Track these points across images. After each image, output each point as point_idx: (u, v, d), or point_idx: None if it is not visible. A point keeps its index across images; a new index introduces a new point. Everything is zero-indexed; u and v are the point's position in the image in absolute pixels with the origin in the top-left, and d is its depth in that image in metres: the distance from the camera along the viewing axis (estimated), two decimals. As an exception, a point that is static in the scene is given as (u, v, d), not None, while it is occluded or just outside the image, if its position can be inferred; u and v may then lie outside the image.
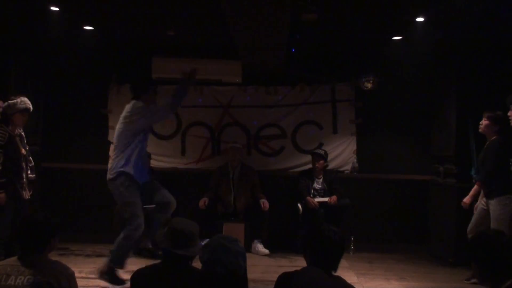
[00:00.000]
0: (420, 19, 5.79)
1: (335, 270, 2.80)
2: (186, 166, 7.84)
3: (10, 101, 5.43)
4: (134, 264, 5.81)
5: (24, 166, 5.60)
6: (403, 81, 7.53)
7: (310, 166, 7.40)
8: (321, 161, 7.19)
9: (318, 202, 6.97)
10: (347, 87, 7.70)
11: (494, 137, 5.66)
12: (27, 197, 5.60)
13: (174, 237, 2.91)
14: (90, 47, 6.98)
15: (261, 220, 6.96)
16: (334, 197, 6.96)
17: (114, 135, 7.71)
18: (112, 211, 7.03)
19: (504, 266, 2.62)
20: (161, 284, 2.84)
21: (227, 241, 2.35)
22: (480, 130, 5.79)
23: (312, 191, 7.16)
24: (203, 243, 2.44)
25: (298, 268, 2.79)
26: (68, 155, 7.82)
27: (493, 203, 5.53)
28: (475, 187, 5.71)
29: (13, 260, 2.87)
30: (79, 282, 3.04)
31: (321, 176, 7.24)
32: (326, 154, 7.28)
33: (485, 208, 5.64)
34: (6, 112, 5.42)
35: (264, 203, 6.93)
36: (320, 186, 7.20)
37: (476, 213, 5.76)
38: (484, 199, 5.65)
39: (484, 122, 5.72)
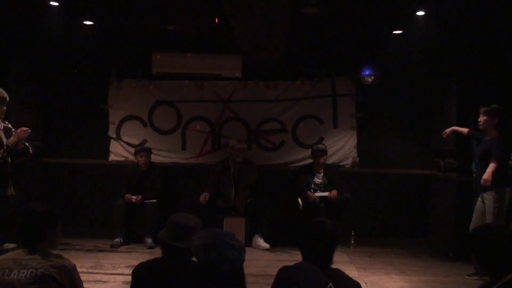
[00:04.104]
0: (420, 13, 5.77)
1: (331, 262, 2.80)
2: (187, 161, 7.84)
3: None
4: (135, 259, 5.84)
5: (10, 160, 5.45)
6: (404, 75, 7.51)
7: (310, 160, 7.41)
8: (325, 156, 7.21)
9: (319, 196, 6.98)
10: (348, 81, 7.69)
11: (496, 134, 5.63)
12: (12, 193, 5.45)
13: (171, 229, 2.93)
14: (90, 42, 6.96)
15: (262, 214, 6.97)
16: (334, 192, 6.96)
17: (113, 131, 7.79)
18: (112, 206, 7.05)
19: (505, 260, 2.62)
20: (162, 278, 2.85)
21: (228, 238, 2.35)
22: (480, 127, 5.76)
23: (312, 185, 7.17)
24: (198, 240, 2.42)
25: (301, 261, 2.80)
26: (68, 150, 7.82)
27: (488, 196, 5.54)
28: (492, 164, 5.49)
29: (15, 254, 2.88)
30: (81, 277, 3.04)
31: (321, 170, 7.24)
32: (326, 148, 7.28)
33: (482, 203, 5.65)
34: None
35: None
36: (320, 181, 7.20)
37: (475, 210, 5.76)
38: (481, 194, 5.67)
39: (482, 118, 5.69)
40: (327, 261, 2.78)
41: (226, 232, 2.43)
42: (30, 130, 5.41)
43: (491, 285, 2.62)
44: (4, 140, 5.31)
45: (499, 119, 5.63)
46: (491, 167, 5.50)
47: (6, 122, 5.48)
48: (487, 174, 5.48)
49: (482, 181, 5.53)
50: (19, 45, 6.97)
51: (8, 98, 5.43)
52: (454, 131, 6.13)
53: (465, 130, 6.02)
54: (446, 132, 6.14)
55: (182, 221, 2.95)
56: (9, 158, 5.36)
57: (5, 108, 5.38)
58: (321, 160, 7.18)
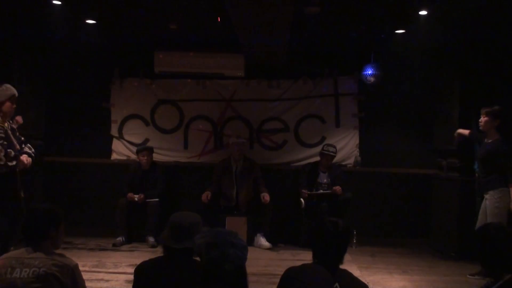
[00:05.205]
0: (423, 13, 5.77)
1: (341, 262, 2.80)
2: (189, 160, 7.84)
3: None
4: (138, 258, 5.84)
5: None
6: (406, 74, 7.51)
7: (313, 159, 7.42)
8: (332, 159, 7.23)
9: (321, 193, 6.98)
10: (350, 81, 7.68)
11: (496, 138, 5.61)
12: (22, 195, 5.27)
13: (171, 230, 2.93)
14: (92, 41, 6.97)
15: (264, 213, 6.96)
16: (338, 187, 6.94)
17: (115, 130, 7.80)
18: (115, 205, 7.06)
19: (505, 260, 2.63)
20: (165, 277, 2.85)
21: (231, 236, 2.36)
22: (480, 128, 5.75)
23: (315, 185, 7.16)
24: (201, 239, 2.43)
25: (301, 262, 2.79)
26: (71, 149, 7.83)
27: (489, 196, 5.54)
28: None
29: (18, 253, 2.89)
30: (83, 276, 3.05)
31: (326, 170, 7.23)
32: (336, 153, 7.28)
33: (485, 204, 5.66)
34: None
35: (265, 197, 6.93)
36: (325, 180, 7.19)
37: (480, 211, 5.76)
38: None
39: (483, 119, 5.67)
40: (337, 261, 2.78)
41: (228, 231, 2.43)
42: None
43: (493, 285, 2.62)
44: (16, 143, 5.20)
45: (500, 121, 5.61)
46: None
47: (11, 122, 5.39)
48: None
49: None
50: (22, 44, 6.97)
51: (17, 95, 5.31)
52: (458, 134, 6.12)
53: (466, 132, 6.00)
54: (455, 136, 6.16)
55: (182, 221, 2.94)
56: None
57: (15, 106, 5.28)
58: (329, 162, 7.19)
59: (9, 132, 5.12)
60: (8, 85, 5.23)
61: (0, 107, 5.07)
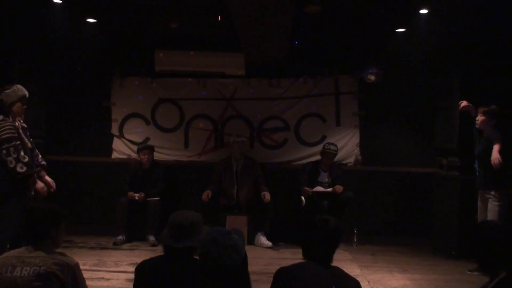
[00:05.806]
0: (423, 11, 5.77)
1: (331, 261, 2.80)
2: (189, 159, 7.85)
3: (7, 90, 5.00)
4: (138, 257, 5.85)
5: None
6: (407, 73, 7.50)
7: (313, 158, 7.41)
8: (334, 158, 7.22)
9: (321, 192, 6.98)
10: (351, 79, 7.68)
11: (492, 132, 5.61)
12: (32, 193, 5.18)
13: (171, 230, 2.94)
14: (93, 40, 6.97)
15: (264, 212, 6.96)
16: (339, 186, 6.93)
17: (116, 128, 7.80)
18: (115, 204, 7.06)
19: (501, 258, 2.64)
20: (165, 275, 2.86)
21: (218, 234, 2.36)
22: (477, 126, 5.75)
23: (316, 184, 7.15)
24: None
25: (300, 261, 2.80)
26: (71, 147, 7.84)
27: (491, 195, 5.54)
28: (497, 148, 5.38)
29: (18, 251, 2.89)
30: (83, 275, 3.06)
31: (327, 169, 7.23)
32: (337, 151, 7.27)
33: (481, 202, 5.68)
34: (5, 102, 4.96)
35: (265, 196, 6.93)
36: (325, 179, 7.18)
37: (479, 206, 5.77)
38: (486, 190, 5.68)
39: (480, 118, 5.67)
40: (328, 259, 2.78)
41: (223, 230, 2.43)
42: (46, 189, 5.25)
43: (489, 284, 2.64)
44: (27, 141, 5.14)
45: (497, 121, 5.61)
46: (496, 147, 5.36)
47: (21, 121, 5.36)
48: (494, 153, 5.34)
49: (492, 163, 5.37)
50: (22, 42, 6.96)
51: (27, 95, 5.23)
52: (469, 108, 5.99)
53: (479, 115, 5.81)
54: (465, 105, 5.99)
55: (182, 221, 2.95)
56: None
57: (25, 107, 5.25)
58: (330, 161, 7.18)
59: (21, 131, 5.14)
60: (20, 86, 5.21)
61: (10, 107, 5.01)
